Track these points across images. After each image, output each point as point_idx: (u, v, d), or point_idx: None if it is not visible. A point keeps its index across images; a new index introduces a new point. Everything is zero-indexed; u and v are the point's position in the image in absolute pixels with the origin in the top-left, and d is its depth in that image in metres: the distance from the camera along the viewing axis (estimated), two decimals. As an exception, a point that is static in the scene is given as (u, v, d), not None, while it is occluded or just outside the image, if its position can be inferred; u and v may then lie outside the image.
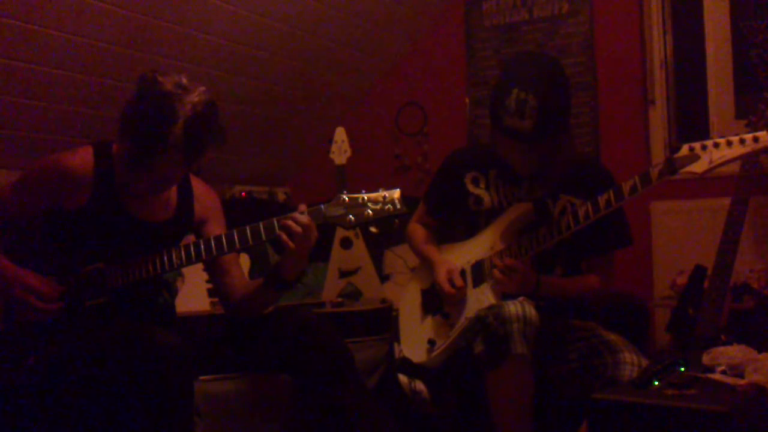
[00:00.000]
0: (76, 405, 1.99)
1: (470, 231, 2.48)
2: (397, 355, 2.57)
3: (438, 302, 2.44)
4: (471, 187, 2.47)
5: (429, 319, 2.45)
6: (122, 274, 2.07)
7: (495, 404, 2.16)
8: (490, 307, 2.17)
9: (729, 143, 2.01)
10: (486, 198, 2.44)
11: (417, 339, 2.45)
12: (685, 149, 2.06)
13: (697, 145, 2.04)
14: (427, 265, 2.53)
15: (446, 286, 2.35)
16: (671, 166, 2.05)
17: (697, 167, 2.03)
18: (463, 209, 2.48)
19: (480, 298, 2.29)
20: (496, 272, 2.27)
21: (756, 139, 1.99)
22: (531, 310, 2.12)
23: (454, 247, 2.50)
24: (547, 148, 2.28)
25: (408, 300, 2.58)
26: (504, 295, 2.25)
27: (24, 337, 2.05)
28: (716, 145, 2.02)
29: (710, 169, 2.02)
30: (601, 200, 2.15)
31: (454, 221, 2.57)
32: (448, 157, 2.59)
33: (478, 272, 2.36)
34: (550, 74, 2.26)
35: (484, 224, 2.44)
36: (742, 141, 2.00)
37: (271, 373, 2.26)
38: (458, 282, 2.35)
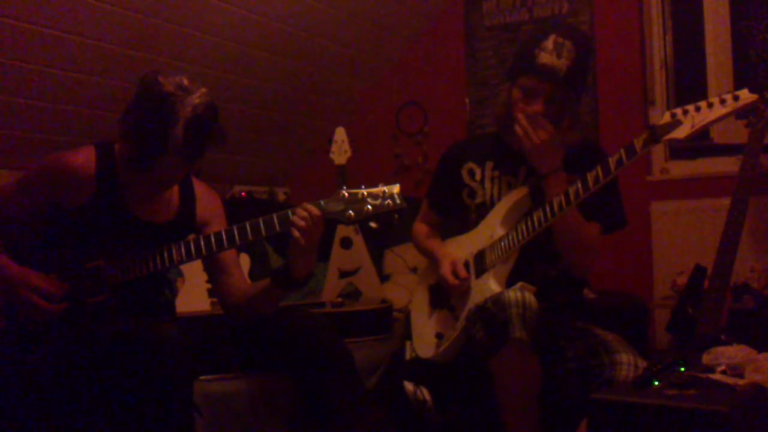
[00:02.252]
0: (77, 402, 1.99)
1: (463, 225, 2.48)
2: (408, 354, 2.57)
3: (445, 296, 2.44)
4: (467, 179, 2.47)
5: (436, 314, 2.47)
6: (123, 271, 2.07)
7: (500, 390, 2.16)
8: (491, 296, 2.18)
9: (710, 105, 1.97)
10: (479, 192, 2.44)
11: (426, 334, 2.46)
12: (667, 116, 2.03)
13: (678, 111, 2.01)
14: (431, 261, 2.54)
15: (450, 278, 2.36)
16: (654, 134, 2.03)
17: (679, 133, 2.00)
18: (458, 201, 2.49)
19: (483, 288, 2.29)
20: (521, 120, 2.24)
21: (736, 98, 1.95)
22: (530, 297, 2.12)
23: (456, 240, 2.51)
24: (563, 103, 2.28)
25: (417, 299, 2.59)
26: (507, 284, 2.25)
27: (25, 336, 2.05)
28: (698, 109, 1.98)
29: (692, 133, 1.98)
30: (590, 177, 2.13)
31: (452, 216, 2.57)
32: (447, 149, 2.59)
33: (480, 262, 2.36)
34: (584, 38, 2.33)
35: (474, 220, 2.44)
36: (722, 101, 1.96)
37: (271, 373, 2.26)
38: (462, 273, 2.36)
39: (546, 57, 2.23)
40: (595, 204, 2.28)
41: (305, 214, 2.00)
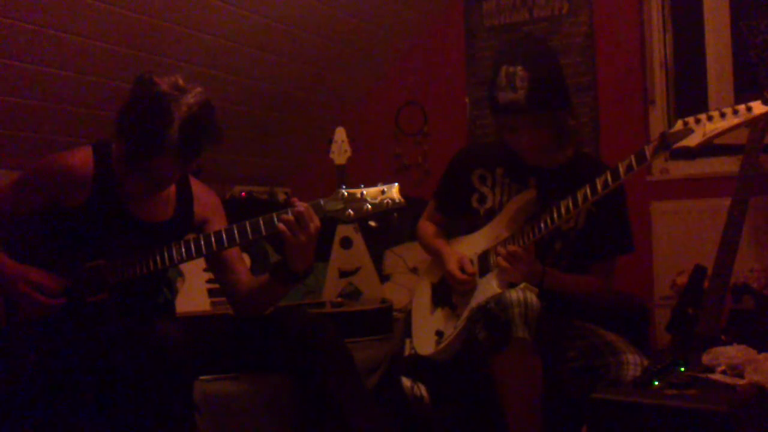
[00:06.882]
0: (77, 401, 1.99)
1: (471, 229, 2.49)
2: (407, 351, 2.57)
3: (447, 294, 2.45)
4: (477, 184, 2.48)
5: (438, 312, 2.47)
6: (123, 271, 2.07)
7: (502, 391, 2.17)
8: (493, 296, 2.18)
9: (722, 115, 1.98)
10: (489, 197, 2.45)
11: (426, 332, 2.47)
12: (679, 124, 2.03)
13: (690, 120, 2.01)
14: (436, 259, 2.55)
15: (457, 273, 2.36)
16: (665, 141, 2.03)
17: (691, 141, 2.00)
18: (467, 205, 2.49)
19: (486, 288, 2.29)
20: (499, 260, 2.27)
21: (749, 109, 1.96)
22: (532, 297, 2.13)
23: (462, 239, 2.52)
24: (549, 123, 2.28)
25: (419, 295, 2.60)
26: (509, 284, 2.25)
27: (26, 334, 2.05)
28: (710, 118, 1.99)
29: (704, 142, 1.99)
30: (599, 182, 2.14)
31: (460, 218, 2.58)
32: (458, 153, 2.61)
33: (484, 262, 2.37)
34: (535, 47, 2.32)
35: (482, 223, 2.45)
36: (735, 111, 1.97)
37: (271, 373, 2.26)
38: (469, 268, 2.36)
39: (503, 95, 2.24)
40: (605, 226, 2.31)
41: (296, 213, 2.01)
